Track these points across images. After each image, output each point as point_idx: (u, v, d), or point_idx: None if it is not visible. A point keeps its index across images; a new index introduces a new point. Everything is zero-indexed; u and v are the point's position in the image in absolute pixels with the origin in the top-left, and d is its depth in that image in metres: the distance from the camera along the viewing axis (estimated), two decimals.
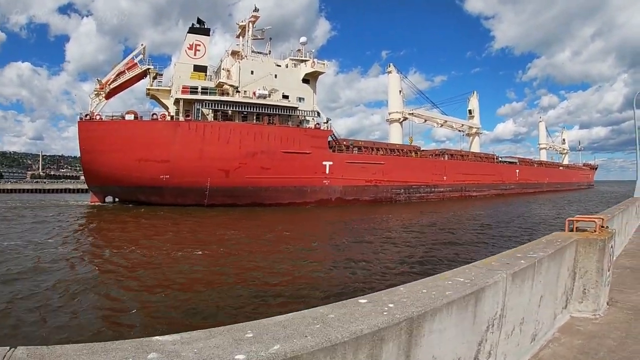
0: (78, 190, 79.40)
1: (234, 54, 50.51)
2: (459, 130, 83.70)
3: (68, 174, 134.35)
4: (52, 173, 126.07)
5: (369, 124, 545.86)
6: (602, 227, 5.50)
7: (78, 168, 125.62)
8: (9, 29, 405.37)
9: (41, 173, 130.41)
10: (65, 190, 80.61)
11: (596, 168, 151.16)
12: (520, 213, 40.03)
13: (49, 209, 40.21)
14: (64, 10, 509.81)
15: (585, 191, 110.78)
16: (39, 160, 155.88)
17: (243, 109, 46.23)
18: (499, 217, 36.23)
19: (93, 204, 44.09)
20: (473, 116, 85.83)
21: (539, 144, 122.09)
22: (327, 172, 47.88)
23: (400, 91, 68.71)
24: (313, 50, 53.55)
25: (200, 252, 17.72)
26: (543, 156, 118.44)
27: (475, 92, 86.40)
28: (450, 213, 39.79)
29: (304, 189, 46.17)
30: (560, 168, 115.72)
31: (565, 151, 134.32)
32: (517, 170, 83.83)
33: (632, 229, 12.00)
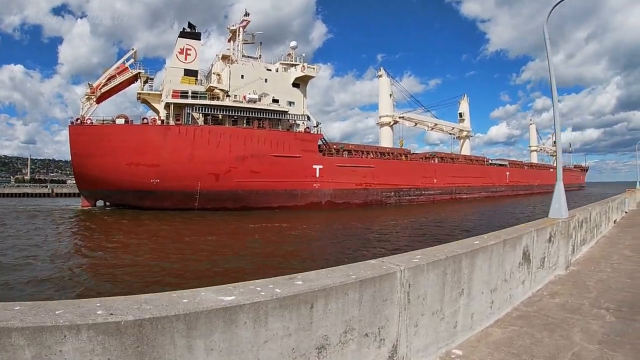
0: (60, 195, 79.42)
1: (225, 58, 50.95)
2: (450, 133, 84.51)
3: (55, 179, 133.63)
4: (40, 177, 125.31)
5: (363, 127, 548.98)
6: None
7: (68, 172, 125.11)
8: (2, 31, 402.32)
9: (26, 177, 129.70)
10: (44, 195, 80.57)
11: (587, 170, 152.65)
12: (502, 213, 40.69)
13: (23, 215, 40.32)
14: (58, 11, 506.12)
15: (575, 193, 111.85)
16: (28, 165, 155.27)
17: (233, 113, 46.51)
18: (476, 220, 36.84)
19: (84, 208, 44.20)
20: (464, 119, 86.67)
21: (530, 147, 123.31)
22: (317, 175, 48.27)
23: (390, 95, 69.32)
24: (304, 55, 54.12)
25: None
26: (534, 158, 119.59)
27: (465, 95, 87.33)
28: (434, 216, 40.32)
29: (294, 193, 46.51)
30: (551, 170, 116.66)
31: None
32: (507, 173, 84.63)
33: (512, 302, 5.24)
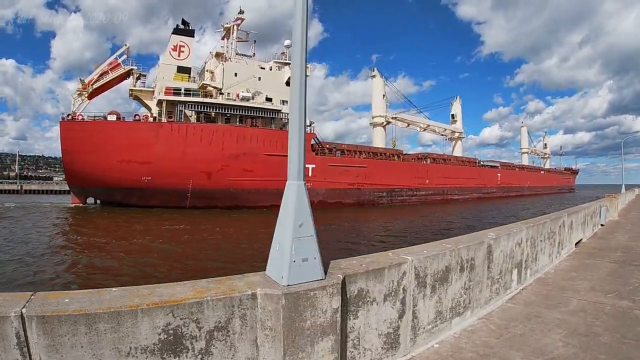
0: (30, 191, 78.34)
1: (218, 55, 50.74)
2: (442, 135, 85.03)
3: (42, 175, 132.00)
4: (29, 174, 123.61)
5: (356, 127, 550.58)
6: None
7: (57, 169, 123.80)
8: None
9: (12, 174, 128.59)
10: (13, 192, 79.49)
11: (577, 172, 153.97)
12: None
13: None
14: (52, 5, 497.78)
15: (565, 195, 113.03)
16: (16, 161, 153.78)
17: (226, 111, 46.41)
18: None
19: (74, 205, 43.81)
20: (456, 120, 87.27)
21: (521, 149, 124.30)
22: (310, 175, 48.15)
23: (383, 95, 69.56)
24: None
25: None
26: (525, 160, 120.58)
27: (458, 97, 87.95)
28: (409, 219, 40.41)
29: None
30: (542, 172, 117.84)
31: (547, 155, 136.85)
32: (499, 174, 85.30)
33: None
